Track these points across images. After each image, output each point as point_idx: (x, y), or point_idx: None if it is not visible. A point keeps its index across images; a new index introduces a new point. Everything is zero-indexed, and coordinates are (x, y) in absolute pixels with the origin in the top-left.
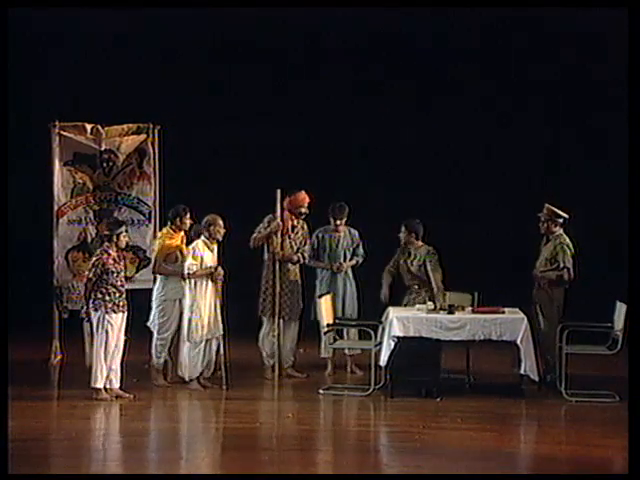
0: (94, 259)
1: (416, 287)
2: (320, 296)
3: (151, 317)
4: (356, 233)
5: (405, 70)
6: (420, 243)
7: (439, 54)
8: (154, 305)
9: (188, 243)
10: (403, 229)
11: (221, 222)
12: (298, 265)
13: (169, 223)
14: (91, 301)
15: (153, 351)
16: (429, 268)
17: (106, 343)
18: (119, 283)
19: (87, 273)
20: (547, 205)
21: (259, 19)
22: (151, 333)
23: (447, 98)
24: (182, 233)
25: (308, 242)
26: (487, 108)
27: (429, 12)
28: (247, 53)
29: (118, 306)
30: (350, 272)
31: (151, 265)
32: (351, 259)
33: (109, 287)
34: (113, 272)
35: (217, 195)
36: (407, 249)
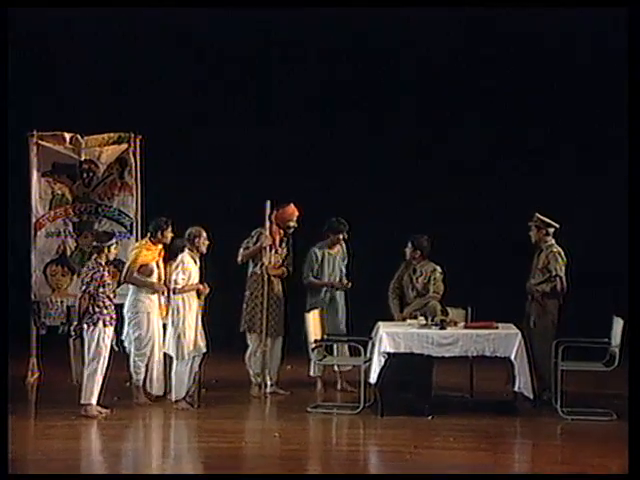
0: (91, 273)
1: (417, 305)
2: (308, 311)
3: (124, 332)
4: (344, 247)
5: (398, 80)
6: (426, 261)
7: (436, 64)
8: (126, 319)
9: (169, 257)
10: (409, 245)
11: (205, 234)
12: (281, 279)
13: (149, 235)
14: (87, 316)
15: (132, 368)
16: (431, 282)
17: (103, 358)
18: (112, 295)
19: (82, 287)
20: (537, 214)
21: (246, 23)
22: (126, 348)
23: (443, 112)
24: (161, 246)
25: (291, 254)
26: (486, 124)
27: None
28: (233, 60)
29: (112, 319)
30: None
31: (123, 273)
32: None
33: (105, 300)
34: (109, 284)
35: (201, 207)
36: (412, 265)
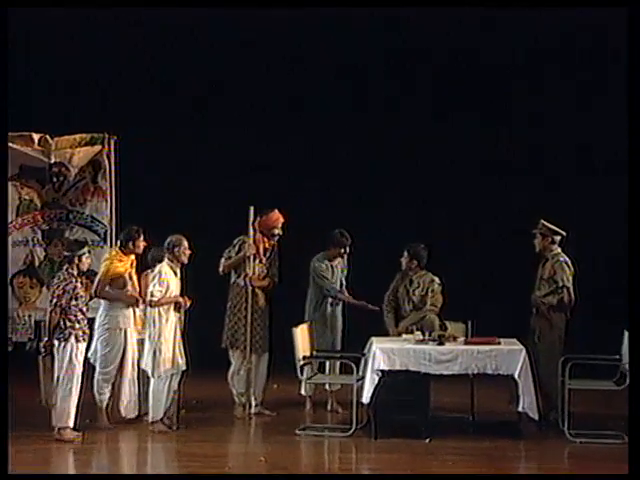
0: (62, 284)
1: (412, 316)
2: (296, 324)
3: (92, 348)
4: (346, 260)
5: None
6: (423, 271)
7: (435, 65)
8: (96, 335)
9: (142, 268)
10: (405, 254)
11: (186, 243)
12: (266, 291)
13: (119, 245)
14: (58, 331)
15: (95, 388)
16: (429, 294)
17: (77, 377)
18: (85, 309)
19: (53, 300)
20: (542, 221)
21: (224, 19)
22: (92, 367)
23: (441, 123)
24: (133, 257)
25: (277, 264)
26: (487, 131)
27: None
28: (216, 60)
29: (85, 334)
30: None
31: (93, 287)
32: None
33: (78, 314)
34: (81, 297)
35: (181, 213)
36: (408, 276)
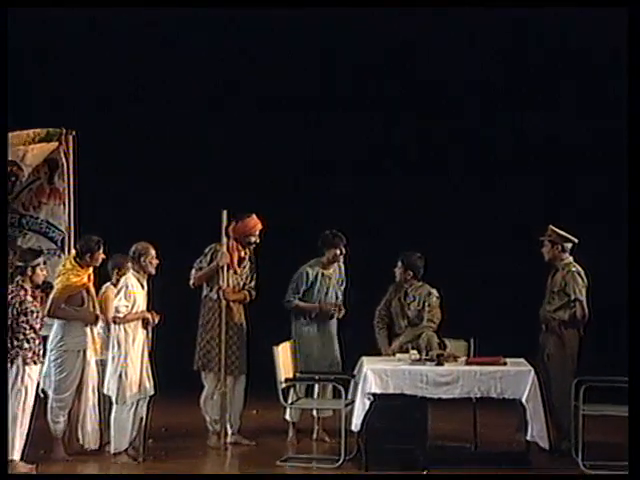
0: (9, 297)
1: (410, 335)
2: (278, 342)
3: (44, 371)
4: (343, 268)
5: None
6: (420, 283)
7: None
8: (49, 357)
9: (100, 281)
10: (399, 264)
11: (153, 252)
12: (242, 305)
13: (74, 255)
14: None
15: (49, 415)
16: (426, 309)
17: (24, 403)
18: (38, 326)
19: None
20: (551, 227)
21: (191, 18)
22: (44, 393)
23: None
24: (90, 269)
25: (255, 276)
26: (488, 139)
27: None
28: (186, 57)
29: (38, 355)
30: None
31: (47, 306)
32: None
33: (28, 332)
34: (32, 312)
35: (148, 218)
36: (402, 288)
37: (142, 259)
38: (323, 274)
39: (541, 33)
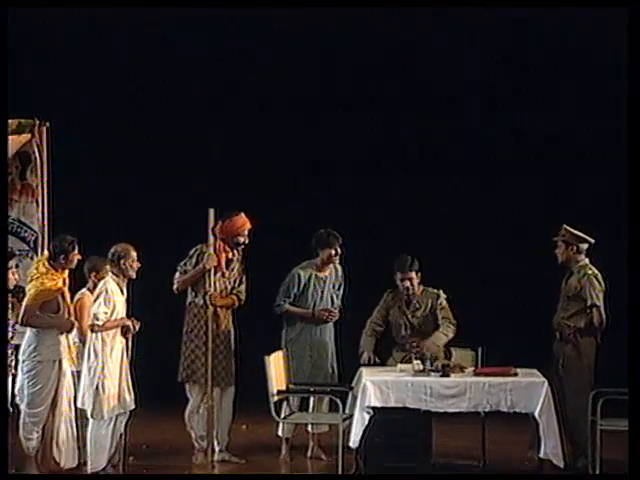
0: None
1: (415, 344)
2: (269, 353)
3: (17, 384)
4: (340, 269)
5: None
6: (421, 287)
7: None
8: (22, 368)
9: (76, 285)
10: (413, 274)
11: (135, 254)
12: (230, 311)
13: (47, 257)
14: None
15: (21, 432)
16: (440, 315)
17: None
18: (9, 335)
19: None
20: (565, 226)
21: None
22: (16, 407)
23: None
24: (66, 272)
25: (244, 279)
26: (489, 139)
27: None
28: (166, 49)
29: (9, 367)
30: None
31: (21, 313)
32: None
33: None
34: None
35: (128, 218)
36: (404, 295)
37: (122, 262)
38: (317, 276)
39: (541, 33)
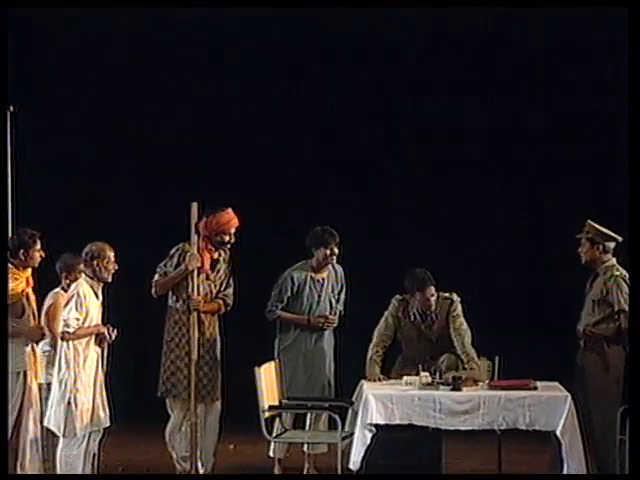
0: None
1: (428, 358)
2: (260, 364)
3: None
4: (341, 271)
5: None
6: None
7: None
8: None
9: (43, 287)
10: (432, 289)
11: (111, 254)
12: (216, 317)
13: (9, 256)
14: None
15: None
16: (453, 326)
17: None
18: None
19: None
20: (589, 222)
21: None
22: None
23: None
24: (29, 271)
25: (231, 282)
26: (498, 141)
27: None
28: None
29: None
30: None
31: None
32: (335, 308)
33: None
34: None
35: (103, 213)
36: (420, 309)
37: (96, 263)
38: (313, 279)
39: (541, 33)
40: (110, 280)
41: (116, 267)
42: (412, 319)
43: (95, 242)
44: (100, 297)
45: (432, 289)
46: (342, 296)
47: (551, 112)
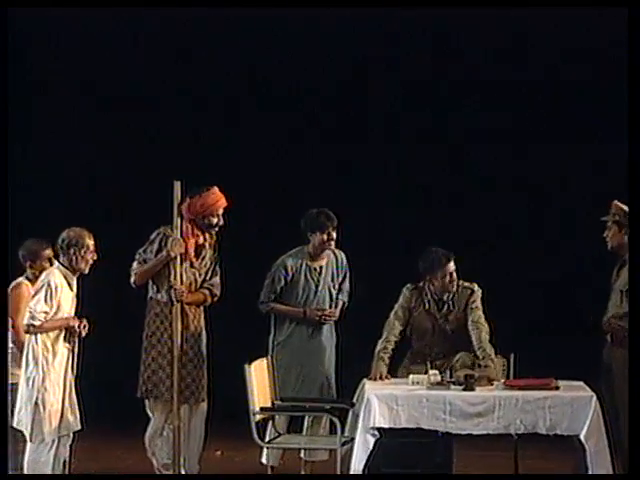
0: None
1: (441, 355)
2: (251, 361)
3: None
4: (343, 258)
5: None
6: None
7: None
8: None
9: (8, 274)
10: (452, 265)
11: (91, 243)
12: (201, 309)
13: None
14: None
15: None
16: (471, 318)
17: None
18: None
19: None
20: (616, 203)
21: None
22: None
23: None
24: None
25: (218, 270)
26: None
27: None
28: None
29: None
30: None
31: None
32: (336, 299)
33: None
34: None
35: (79, 195)
36: (437, 294)
37: (72, 251)
38: (309, 266)
39: (541, 33)
40: (87, 271)
41: (95, 257)
42: (427, 307)
43: (73, 228)
44: (74, 289)
45: (452, 265)
46: (346, 285)
47: None
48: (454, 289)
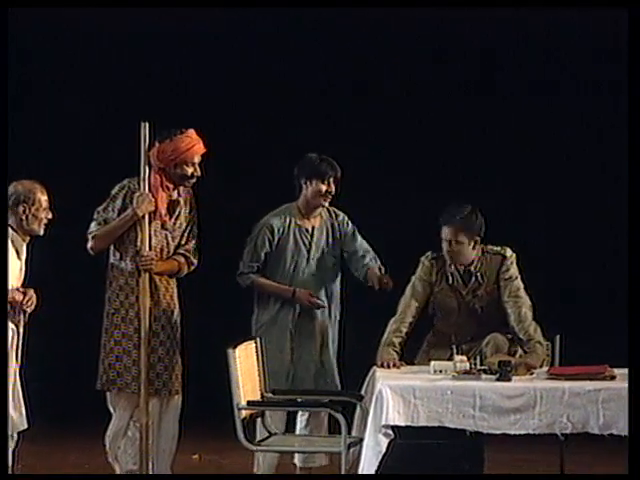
0: None
1: (469, 338)
2: (235, 345)
3: None
4: (345, 217)
5: None
6: (480, 247)
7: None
8: None
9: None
10: (447, 230)
11: (44, 199)
12: (174, 281)
13: None
14: None
15: None
16: (506, 291)
17: None
18: None
19: None
20: None
21: None
22: None
23: None
24: None
25: (195, 231)
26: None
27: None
28: None
29: None
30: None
31: None
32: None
33: None
34: None
35: (31, 143)
36: (458, 269)
37: (22, 209)
38: (300, 226)
39: (541, 33)
40: (42, 233)
41: (49, 216)
42: (450, 281)
43: (21, 181)
44: (24, 255)
45: (446, 229)
46: (362, 245)
47: None
48: (462, 261)
